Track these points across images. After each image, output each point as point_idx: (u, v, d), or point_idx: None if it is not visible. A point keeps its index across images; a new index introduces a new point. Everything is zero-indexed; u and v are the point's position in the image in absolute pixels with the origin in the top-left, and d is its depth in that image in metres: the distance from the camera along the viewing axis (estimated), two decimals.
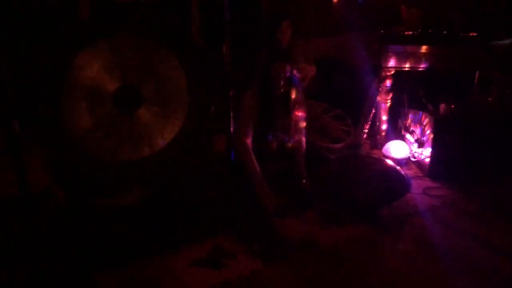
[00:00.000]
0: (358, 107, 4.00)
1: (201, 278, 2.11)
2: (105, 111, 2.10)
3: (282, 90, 2.87)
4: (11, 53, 1.97)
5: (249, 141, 2.82)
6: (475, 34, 3.52)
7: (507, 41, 3.48)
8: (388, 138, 3.83)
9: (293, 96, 2.91)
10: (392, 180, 2.75)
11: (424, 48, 3.52)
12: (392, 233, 2.58)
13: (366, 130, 3.87)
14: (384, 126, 3.90)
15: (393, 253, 2.43)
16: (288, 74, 2.91)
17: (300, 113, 2.96)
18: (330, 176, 2.90)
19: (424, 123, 3.55)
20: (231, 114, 2.53)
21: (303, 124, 3.00)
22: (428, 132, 3.48)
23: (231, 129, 2.61)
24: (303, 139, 3.00)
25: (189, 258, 2.24)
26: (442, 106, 3.39)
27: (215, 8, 2.52)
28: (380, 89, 3.80)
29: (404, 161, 3.59)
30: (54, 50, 1.98)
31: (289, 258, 2.28)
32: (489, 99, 3.58)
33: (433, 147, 3.37)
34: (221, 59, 2.45)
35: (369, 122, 3.88)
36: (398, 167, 2.85)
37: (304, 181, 2.86)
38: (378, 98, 3.85)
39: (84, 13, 2.07)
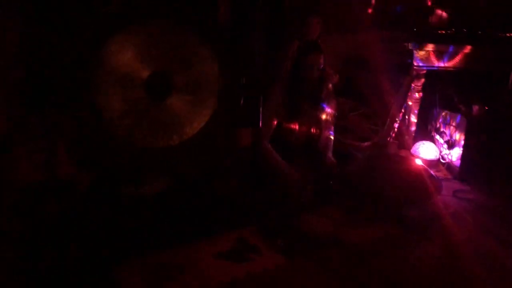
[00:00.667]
0: (385, 106, 3.92)
1: (225, 269, 2.10)
2: (137, 97, 2.10)
3: (314, 82, 2.83)
4: (47, 37, 1.99)
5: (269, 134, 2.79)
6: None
7: None
8: (416, 139, 3.75)
9: (325, 88, 2.88)
10: (421, 181, 2.68)
11: (458, 48, 3.43)
12: (419, 234, 2.51)
13: (395, 130, 3.80)
14: (413, 127, 3.82)
15: (419, 254, 2.36)
16: (322, 66, 2.88)
17: (330, 107, 2.92)
18: (357, 173, 2.84)
19: (455, 124, 3.46)
20: (260, 107, 2.50)
21: (332, 119, 2.96)
22: (459, 133, 3.39)
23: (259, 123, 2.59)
24: (332, 134, 2.96)
25: (213, 249, 2.23)
26: (475, 107, 3.29)
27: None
28: (410, 88, 3.72)
29: (433, 162, 3.51)
30: (88, 34, 1.99)
31: (313, 254, 2.24)
32: None
33: (464, 149, 3.28)
34: (251, 52, 2.43)
35: (398, 122, 3.80)
36: (427, 168, 2.78)
37: (331, 181, 2.82)
38: (408, 98, 3.77)
39: None
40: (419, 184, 2.67)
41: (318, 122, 2.90)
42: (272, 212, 2.50)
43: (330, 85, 3.11)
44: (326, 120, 2.92)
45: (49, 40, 2.07)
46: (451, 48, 3.41)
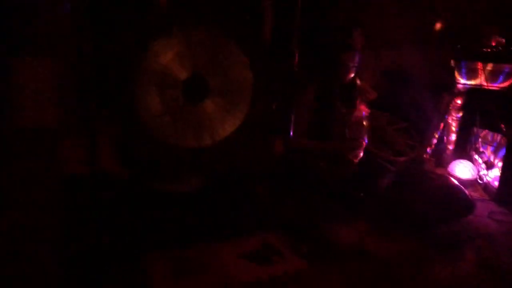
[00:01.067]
0: (424, 122, 3.88)
1: (248, 270, 2.15)
2: (174, 98, 2.21)
3: (347, 81, 2.84)
4: (93, 36, 2.13)
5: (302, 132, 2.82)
6: None
7: None
8: (454, 157, 3.67)
9: (359, 87, 2.88)
10: (454, 199, 2.64)
11: (501, 66, 3.35)
12: (447, 253, 2.46)
13: (432, 147, 3.74)
14: (451, 145, 3.74)
15: (445, 273, 2.31)
16: (357, 64, 2.88)
17: (362, 109, 2.92)
18: (389, 187, 2.83)
19: (495, 144, 3.37)
20: (291, 115, 2.56)
21: (365, 122, 2.95)
22: (498, 154, 3.30)
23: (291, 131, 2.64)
24: (365, 140, 2.95)
25: (238, 250, 2.29)
26: None
27: (288, 10, 2.58)
28: (450, 106, 3.66)
29: (470, 182, 3.42)
30: (133, 35, 2.12)
31: (336, 263, 2.25)
32: None
33: (503, 170, 3.18)
34: (289, 60, 2.49)
35: (436, 139, 3.74)
36: (462, 187, 2.72)
37: (361, 193, 2.82)
38: (448, 115, 3.71)
39: (162, 1, 2.20)
40: (451, 202, 2.62)
41: (351, 125, 2.89)
42: (298, 217, 2.53)
43: (365, 88, 3.12)
44: (358, 122, 2.92)
45: (96, 38, 2.20)
46: (493, 67, 3.33)
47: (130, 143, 2.30)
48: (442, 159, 3.79)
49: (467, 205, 2.64)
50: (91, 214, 2.41)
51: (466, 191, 2.72)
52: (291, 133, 2.72)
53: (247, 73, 2.27)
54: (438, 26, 4.19)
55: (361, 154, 2.97)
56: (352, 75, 2.96)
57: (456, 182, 2.83)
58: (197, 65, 2.22)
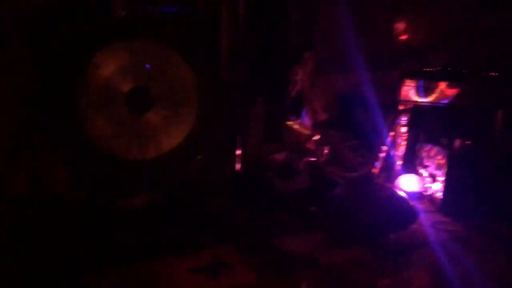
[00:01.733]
0: (375, 140, 4.03)
1: (197, 284, 2.14)
2: (117, 110, 2.22)
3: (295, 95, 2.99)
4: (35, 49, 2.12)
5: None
6: (497, 74, 3.54)
7: None
8: (402, 172, 3.81)
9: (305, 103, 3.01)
10: (398, 207, 2.74)
11: (442, 84, 3.56)
12: (396, 259, 2.55)
13: (380, 163, 3.87)
14: (399, 160, 3.89)
15: (396, 278, 2.39)
16: (305, 79, 3.02)
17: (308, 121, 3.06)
18: (337, 199, 2.90)
19: (439, 158, 3.53)
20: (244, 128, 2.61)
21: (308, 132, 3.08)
22: (442, 167, 3.46)
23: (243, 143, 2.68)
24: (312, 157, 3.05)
25: (188, 264, 2.28)
26: (457, 142, 3.38)
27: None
28: (396, 123, 3.83)
29: (416, 195, 3.55)
30: (74, 48, 2.13)
31: (287, 273, 2.28)
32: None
33: (445, 182, 3.34)
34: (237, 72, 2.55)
35: (384, 155, 3.89)
36: (405, 196, 2.84)
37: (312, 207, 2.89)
38: (394, 132, 3.87)
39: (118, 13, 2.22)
40: (397, 211, 2.72)
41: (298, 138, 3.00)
42: (249, 230, 2.55)
43: (316, 109, 3.26)
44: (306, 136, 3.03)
45: (38, 50, 2.20)
46: (434, 85, 3.54)
47: (77, 158, 2.27)
48: (391, 174, 3.93)
49: (411, 213, 2.74)
50: (40, 236, 2.35)
51: (410, 201, 2.83)
52: (246, 145, 2.78)
53: (192, 85, 2.31)
54: (388, 49, 4.47)
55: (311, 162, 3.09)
56: (299, 88, 3.11)
57: (401, 193, 2.95)
58: (140, 77, 2.25)
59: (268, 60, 3.09)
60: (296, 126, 3.13)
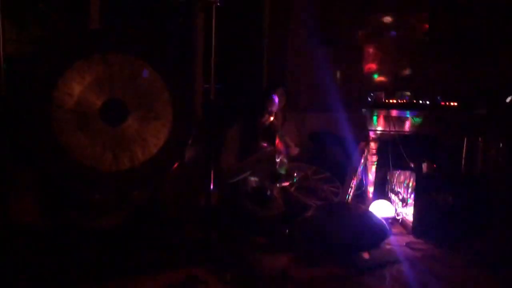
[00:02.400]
0: (347, 170, 4.17)
1: None
2: (92, 122, 2.29)
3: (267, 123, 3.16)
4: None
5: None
6: (456, 103, 3.77)
7: (483, 111, 3.69)
8: (374, 199, 3.92)
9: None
10: (369, 225, 2.82)
11: (407, 114, 3.77)
12: (369, 275, 2.60)
13: (352, 191, 3.98)
14: (370, 187, 4.01)
15: None
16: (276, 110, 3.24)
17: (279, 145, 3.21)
18: (310, 220, 2.97)
19: (408, 183, 3.67)
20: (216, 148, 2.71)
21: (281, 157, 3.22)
22: (411, 192, 3.59)
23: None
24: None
25: (162, 282, 2.28)
26: (424, 165, 3.53)
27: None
28: (366, 151, 3.98)
29: (389, 220, 3.64)
30: (48, 61, 2.24)
31: None
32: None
33: (415, 206, 3.45)
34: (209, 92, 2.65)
35: (356, 183, 4.00)
36: (375, 213, 2.93)
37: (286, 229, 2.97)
38: (364, 160, 4.02)
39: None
40: (367, 228, 2.80)
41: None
42: (223, 248, 2.59)
43: (288, 144, 3.42)
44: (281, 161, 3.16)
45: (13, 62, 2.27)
46: (401, 114, 3.74)
47: (50, 173, 2.29)
48: (363, 201, 4.03)
49: (382, 230, 2.82)
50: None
51: (380, 219, 2.92)
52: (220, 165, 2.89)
53: (167, 97, 2.42)
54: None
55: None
56: (272, 118, 3.28)
57: (372, 211, 3.04)
58: (115, 89, 2.34)
59: (244, 86, 3.29)
60: (269, 150, 3.27)
